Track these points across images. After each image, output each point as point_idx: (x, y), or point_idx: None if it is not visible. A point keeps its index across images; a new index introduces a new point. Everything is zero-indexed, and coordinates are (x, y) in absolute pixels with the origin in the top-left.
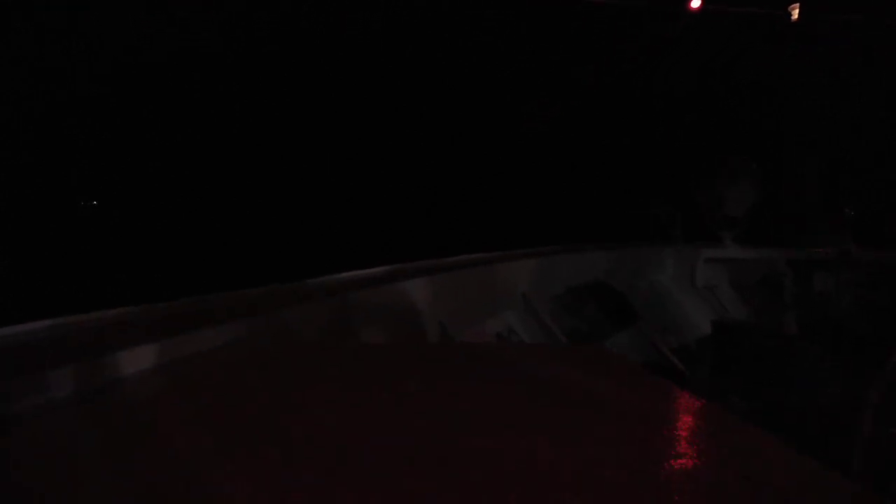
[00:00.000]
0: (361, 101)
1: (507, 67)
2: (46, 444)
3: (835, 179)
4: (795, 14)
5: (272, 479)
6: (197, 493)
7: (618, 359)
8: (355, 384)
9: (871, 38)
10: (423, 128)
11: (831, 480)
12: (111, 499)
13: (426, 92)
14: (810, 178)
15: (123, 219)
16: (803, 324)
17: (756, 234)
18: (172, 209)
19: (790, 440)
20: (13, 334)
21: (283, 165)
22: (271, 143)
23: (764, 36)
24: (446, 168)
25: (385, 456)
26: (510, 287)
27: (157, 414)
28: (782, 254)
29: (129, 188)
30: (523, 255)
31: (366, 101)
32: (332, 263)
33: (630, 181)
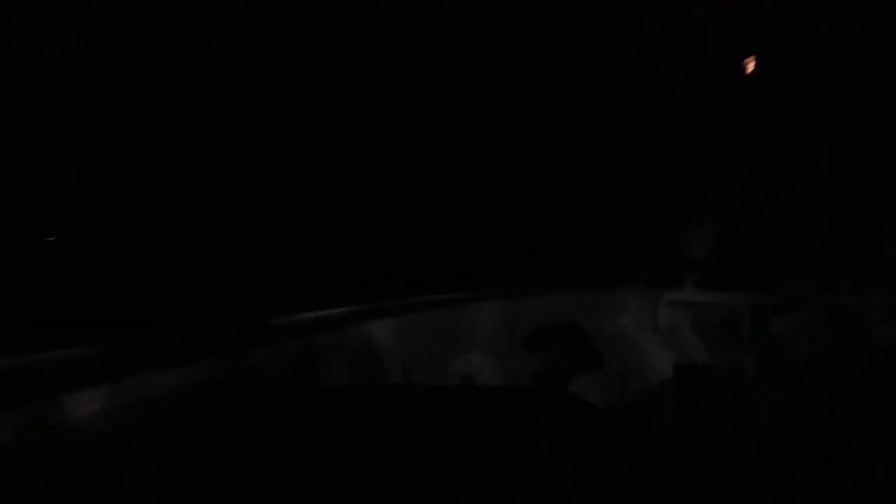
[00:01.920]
0: (319, 144)
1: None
2: None
3: (789, 223)
4: (750, 67)
5: None
6: None
7: (581, 404)
8: (312, 438)
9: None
10: (382, 166)
11: None
12: None
13: (386, 133)
14: (762, 222)
15: (78, 254)
16: (763, 367)
17: (717, 277)
18: (125, 244)
19: (754, 483)
20: None
21: (237, 199)
22: (225, 179)
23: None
24: (409, 206)
25: None
26: (475, 329)
27: (99, 466)
28: (742, 297)
29: (83, 222)
30: (488, 295)
31: (323, 143)
32: (293, 303)
33: (593, 223)
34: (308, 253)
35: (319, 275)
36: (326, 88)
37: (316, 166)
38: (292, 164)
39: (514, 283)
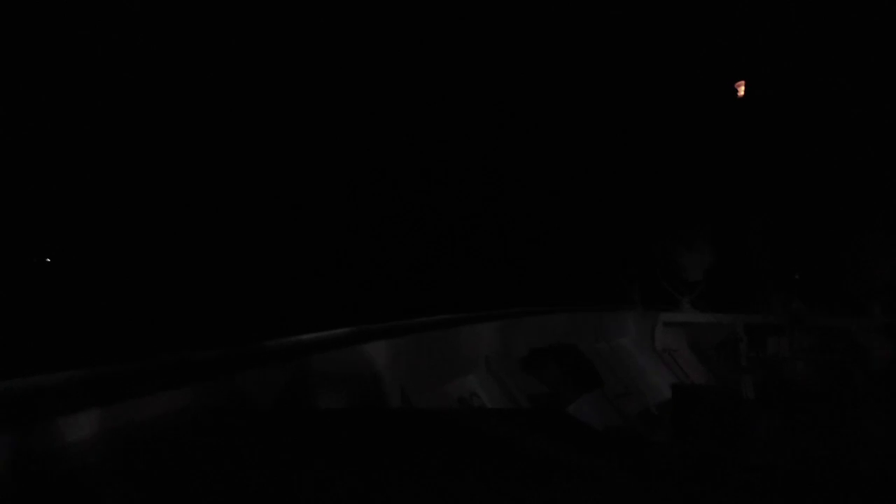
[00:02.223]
0: (317, 161)
1: (466, 137)
2: None
3: (781, 245)
4: (741, 91)
5: None
6: None
7: (579, 426)
8: (308, 463)
9: (814, 107)
10: (383, 188)
11: None
12: None
13: (385, 155)
14: (754, 244)
15: (72, 276)
16: (759, 387)
17: (712, 299)
18: (121, 264)
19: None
20: None
21: (237, 220)
22: (222, 197)
23: (712, 108)
24: (408, 229)
25: None
26: (472, 350)
27: (95, 489)
28: (738, 318)
29: (77, 245)
30: (486, 317)
31: (321, 164)
32: (290, 324)
33: (591, 245)
34: (306, 275)
35: (317, 297)
36: (328, 116)
37: (315, 190)
38: (291, 189)
39: (512, 304)
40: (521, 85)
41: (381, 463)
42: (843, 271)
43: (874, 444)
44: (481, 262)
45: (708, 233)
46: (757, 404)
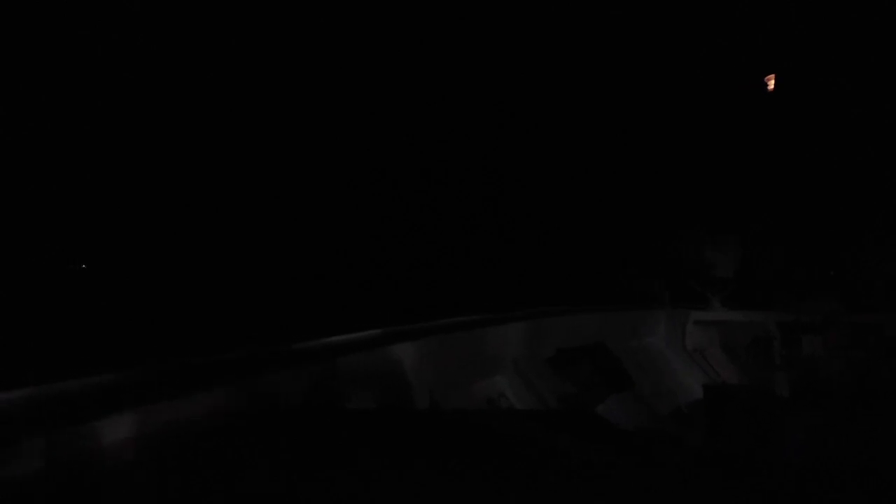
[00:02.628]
0: (340, 163)
1: (488, 134)
2: None
3: (817, 242)
4: (771, 84)
5: None
6: None
7: (609, 427)
8: (340, 461)
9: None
10: (407, 187)
11: None
12: None
13: (406, 153)
14: (777, 243)
15: (101, 281)
16: (794, 386)
17: (743, 297)
18: (151, 269)
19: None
20: None
21: (263, 223)
22: (251, 199)
23: (740, 104)
24: (434, 229)
25: None
26: (500, 351)
27: (134, 490)
28: (771, 316)
29: (103, 249)
30: (513, 317)
31: (345, 163)
32: (319, 326)
33: (617, 243)
34: (333, 276)
35: (345, 297)
36: (347, 128)
37: (341, 192)
38: (317, 192)
39: (537, 303)
40: (537, 86)
41: (411, 464)
42: (876, 268)
43: None
44: (505, 260)
45: (738, 230)
46: (791, 403)
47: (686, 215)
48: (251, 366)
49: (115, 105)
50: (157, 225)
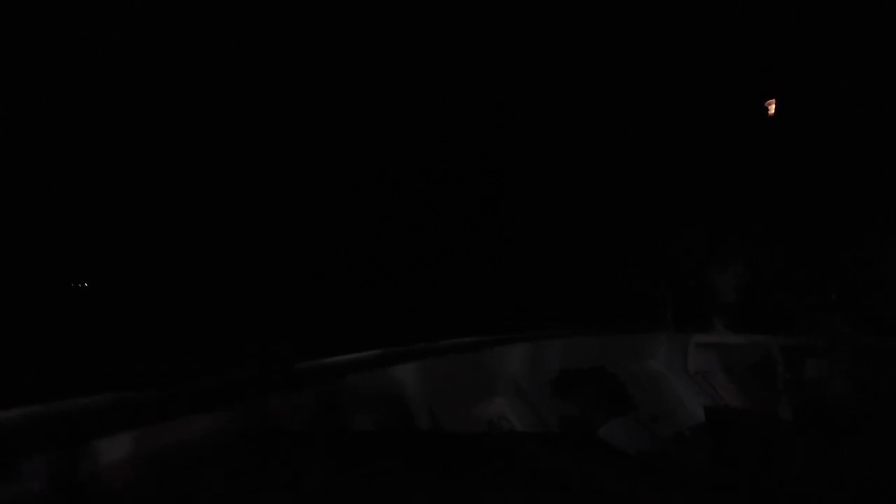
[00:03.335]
0: (340, 173)
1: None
2: None
3: (818, 266)
4: (772, 109)
5: None
6: None
7: (611, 450)
8: (338, 485)
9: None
10: (407, 206)
11: None
12: None
13: (412, 168)
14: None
15: (103, 300)
16: (797, 409)
17: (747, 320)
18: (152, 288)
19: None
20: None
21: (267, 241)
22: (253, 218)
23: (741, 128)
24: (436, 250)
25: None
26: (502, 372)
27: None
28: (774, 339)
29: (112, 268)
30: (514, 339)
31: (344, 174)
32: (321, 347)
33: (621, 265)
34: (335, 297)
35: (346, 319)
36: (350, 144)
37: (341, 211)
38: (316, 203)
39: (542, 326)
40: (543, 98)
41: (412, 486)
42: (879, 289)
43: None
44: (509, 279)
45: (741, 252)
46: (795, 427)
47: (686, 216)
48: (253, 387)
49: (113, 106)
50: (154, 239)
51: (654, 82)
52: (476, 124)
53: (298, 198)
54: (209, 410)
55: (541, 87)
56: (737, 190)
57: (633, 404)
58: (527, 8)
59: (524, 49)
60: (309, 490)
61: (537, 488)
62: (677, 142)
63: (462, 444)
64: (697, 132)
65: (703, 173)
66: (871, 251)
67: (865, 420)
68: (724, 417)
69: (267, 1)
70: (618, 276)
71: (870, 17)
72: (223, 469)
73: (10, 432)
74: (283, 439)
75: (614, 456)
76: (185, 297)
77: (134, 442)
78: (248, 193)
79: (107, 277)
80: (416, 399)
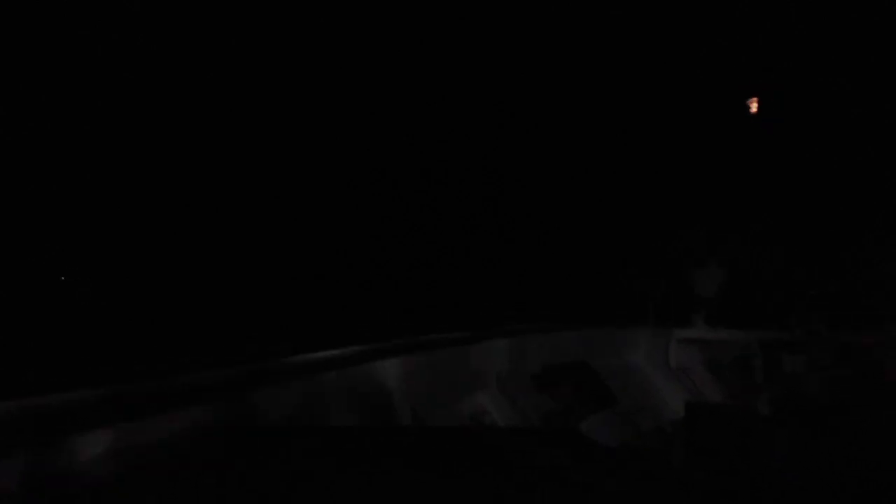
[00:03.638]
0: (325, 178)
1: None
2: None
3: (796, 263)
4: (754, 107)
5: None
6: None
7: (592, 444)
8: (320, 480)
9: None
10: (391, 202)
11: None
12: None
13: (399, 168)
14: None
15: (87, 294)
16: (776, 404)
17: (726, 316)
18: (132, 282)
19: None
20: None
21: (247, 235)
22: (234, 213)
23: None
24: (418, 245)
25: None
26: (484, 368)
27: None
28: (753, 335)
29: (92, 262)
30: (496, 335)
31: (330, 178)
32: (302, 342)
33: (603, 262)
34: (316, 293)
35: (327, 315)
36: (334, 122)
37: (327, 205)
38: (303, 205)
39: (524, 321)
40: (529, 92)
41: (393, 480)
42: (856, 287)
43: (890, 460)
44: (492, 274)
45: (721, 249)
46: (773, 421)
47: (672, 235)
48: (236, 382)
49: (111, 105)
50: (135, 235)
51: (653, 83)
52: (466, 119)
53: (280, 191)
54: (190, 405)
55: (534, 83)
56: (734, 190)
57: (614, 398)
58: (527, 9)
59: (524, 47)
60: (291, 484)
61: (519, 482)
62: (672, 141)
63: (444, 438)
64: (694, 132)
65: (701, 173)
66: (870, 251)
67: (841, 414)
68: (704, 411)
69: (267, 1)
70: (603, 272)
71: (871, 18)
72: (204, 463)
73: None
74: (264, 434)
75: (595, 449)
76: (164, 291)
77: (114, 437)
78: (226, 185)
79: (86, 271)
80: (398, 394)
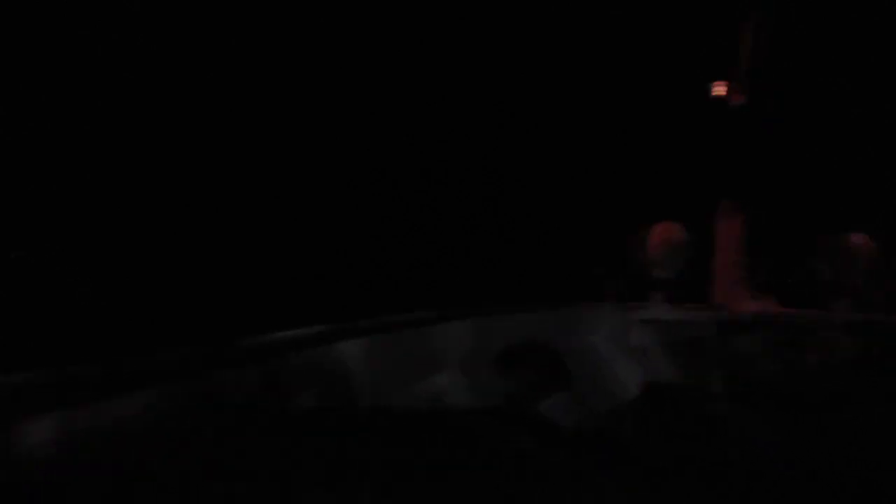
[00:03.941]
0: (292, 164)
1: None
2: None
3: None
4: (719, 90)
5: None
6: None
7: (551, 425)
8: (277, 465)
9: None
10: (355, 182)
11: None
12: None
13: (367, 150)
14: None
15: (40, 271)
16: (732, 385)
17: (686, 295)
18: (88, 259)
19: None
20: None
21: (208, 211)
22: (197, 192)
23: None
24: (373, 222)
25: None
26: (444, 349)
27: (57, 496)
28: (710, 315)
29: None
30: (457, 315)
31: (297, 163)
32: (256, 323)
33: (562, 240)
34: (274, 271)
35: (285, 294)
36: (319, 113)
37: (289, 183)
38: (265, 182)
39: (482, 301)
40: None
41: (352, 464)
42: (811, 267)
43: (841, 443)
44: (450, 255)
45: (683, 227)
46: (729, 402)
47: (631, 213)
48: (191, 364)
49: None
50: (103, 217)
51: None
52: (433, 102)
53: (251, 171)
54: (144, 388)
55: (507, 75)
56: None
57: (574, 379)
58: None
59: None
60: (252, 467)
61: (479, 465)
62: (640, 126)
63: (405, 420)
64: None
65: (666, 156)
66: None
67: (796, 396)
68: (662, 392)
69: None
70: (566, 254)
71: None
72: (158, 448)
73: None
74: (220, 418)
75: (554, 431)
76: (120, 269)
77: (62, 423)
78: (201, 165)
79: (42, 247)
80: (358, 376)
